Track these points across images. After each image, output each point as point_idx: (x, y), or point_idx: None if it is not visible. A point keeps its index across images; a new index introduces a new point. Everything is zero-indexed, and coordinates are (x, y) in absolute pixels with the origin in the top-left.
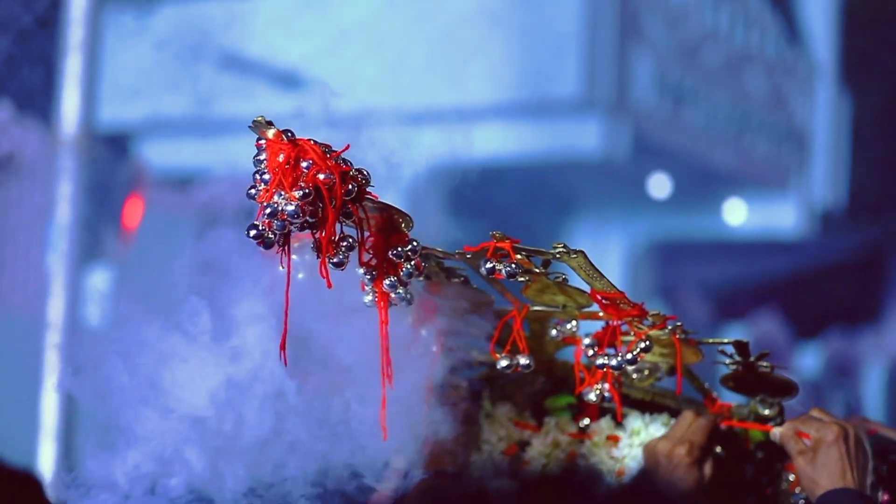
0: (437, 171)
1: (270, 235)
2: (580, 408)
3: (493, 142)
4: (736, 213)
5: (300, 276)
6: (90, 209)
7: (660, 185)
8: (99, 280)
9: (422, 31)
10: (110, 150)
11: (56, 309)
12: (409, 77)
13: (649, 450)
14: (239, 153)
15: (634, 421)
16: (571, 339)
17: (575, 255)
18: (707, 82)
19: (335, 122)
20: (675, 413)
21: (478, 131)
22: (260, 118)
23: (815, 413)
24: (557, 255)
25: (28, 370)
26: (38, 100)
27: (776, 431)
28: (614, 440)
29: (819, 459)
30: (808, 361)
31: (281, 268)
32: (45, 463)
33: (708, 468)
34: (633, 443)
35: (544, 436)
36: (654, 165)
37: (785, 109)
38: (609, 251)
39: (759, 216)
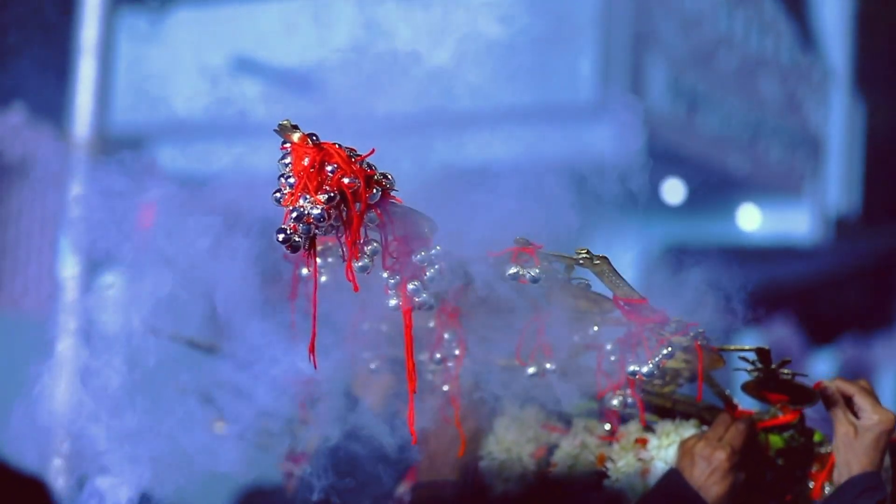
0: (451, 175)
1: (297, 239)
2: (601, 413)
3: (506, 146)
4: (750, 219)
5: (323, 279)
6: (103, 213)
7: (673, 191)
8: (111, 283)
9: (435, 35)
10: (123, 154)
11: (68, 312)
12: (422, 81)
13: (687, 448)
14: (253, 157)
15: (665, 424)
16: (593, 345)
17: (598, 261)
18: (721, 88)
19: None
20: (702, 419)
21: (491, 136)
22: (286, 121)
23: (865, 386)
24: (581, 261)
25: (40, 373)
26: (51, 103)
27: (829, 386)
28: (642, 443)
29: (866, 442)
30: (821, 368)
31: (306, 270)
32: (57, 466)
33: (742, 474)
34: (661, 444)
35: (572, 437)
36: (668, 171)
37: (799, 115)
38: (622, 257)
39: (773, 222)
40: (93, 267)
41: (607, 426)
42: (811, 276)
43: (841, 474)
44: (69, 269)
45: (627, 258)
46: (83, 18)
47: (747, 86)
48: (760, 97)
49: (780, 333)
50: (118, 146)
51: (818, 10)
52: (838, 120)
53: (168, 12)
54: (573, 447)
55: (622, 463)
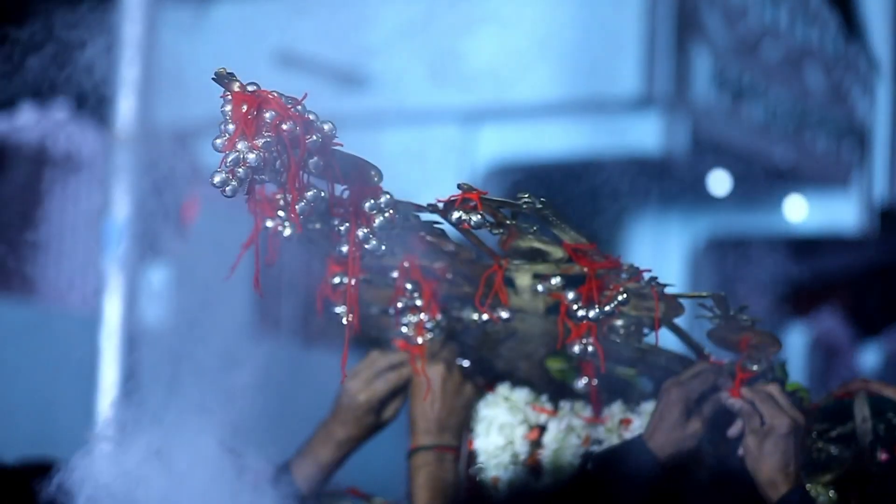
0: (496, 169)
1: (234, 183)
2: (578, 367)
3: (552, 140)
4: (796, 210)
5: (287, 232)
6: (147, 207)
7: (719, 183)
8: (156, 278)
9: (479, 28)
10: (167, 148)
11: (113, 308)
12: (467, 75)
13: (672, 395)
14: None
15: (648, 405)
16: (557, 295)
17: (541, 206)
18: (766, 78)
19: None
20: (672, 368)
21: (536, 129)
22: (222, 69)
23: (773, 391)
24: (524, 206)
25: (84, 370)
26: (95, 98)
27: (736, 402)
28: (627, 423)
29: (767, 446)
30: (869, 359)
31: (270, 223)
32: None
33: (697, 423)
34: (645, 424)
35: (559, 420)
36: (714, 162)
37: (845, 105)
38: (669, 249)
39: (820, 213)
40: (138, 262)
41: (584, 380)
42: (859, 267)
43: (758, 482)
44: (114, 264)
45: (674, 250)
46: (126, 12)
47: (792, 76)
48: (806, 87)
49: (827, 325)
50: (161, 141)
51: (863, 0)
52: (884, 110)
53: (212, 5)
54: (560, 431)
55: (608, 444)
